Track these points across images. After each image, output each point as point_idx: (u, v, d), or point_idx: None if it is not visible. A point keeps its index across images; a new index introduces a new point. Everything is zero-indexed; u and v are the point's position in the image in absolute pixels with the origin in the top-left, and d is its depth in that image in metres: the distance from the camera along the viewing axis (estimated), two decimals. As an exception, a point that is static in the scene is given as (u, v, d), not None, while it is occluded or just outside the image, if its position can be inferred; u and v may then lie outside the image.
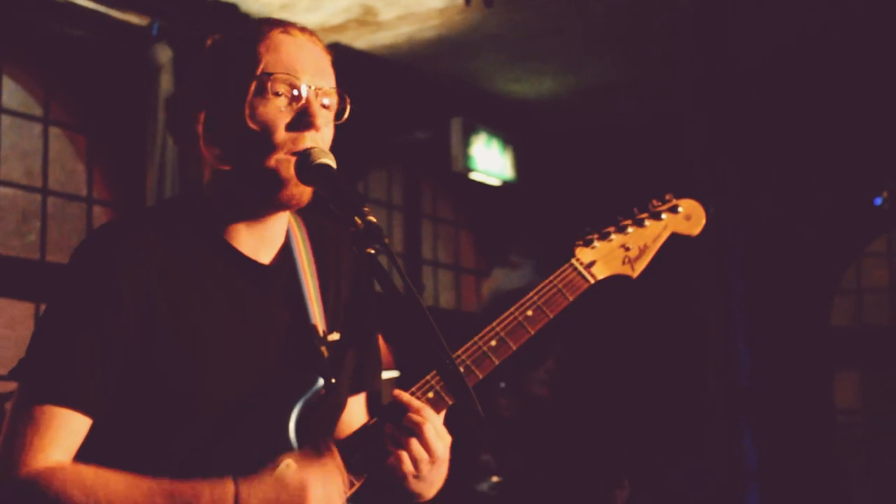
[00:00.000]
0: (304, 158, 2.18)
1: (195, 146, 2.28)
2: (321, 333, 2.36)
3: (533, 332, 2.38)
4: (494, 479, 4.63)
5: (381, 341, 6.01)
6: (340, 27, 6.81)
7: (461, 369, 2.26)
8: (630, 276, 2.53)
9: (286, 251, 2.38)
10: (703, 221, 2.59)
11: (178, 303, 2.22)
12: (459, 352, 2.30)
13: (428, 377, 2.29)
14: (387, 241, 2.02)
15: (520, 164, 8.32)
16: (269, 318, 2.31)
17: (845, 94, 7.79)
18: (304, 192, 2.24)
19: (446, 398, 2.28)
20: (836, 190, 8.30)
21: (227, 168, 2.26)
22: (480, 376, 2.30)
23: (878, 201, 8.15)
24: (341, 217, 2.07)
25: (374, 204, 8.05)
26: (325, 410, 2.35)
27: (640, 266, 2.54)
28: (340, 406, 2.42)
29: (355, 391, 2.50)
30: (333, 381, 2.31)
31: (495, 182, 8.21)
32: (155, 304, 2.20)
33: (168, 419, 2.20)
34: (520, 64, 7.61)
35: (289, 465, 2.20)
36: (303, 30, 2.31)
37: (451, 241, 8.77)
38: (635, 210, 2.57)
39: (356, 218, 2.03)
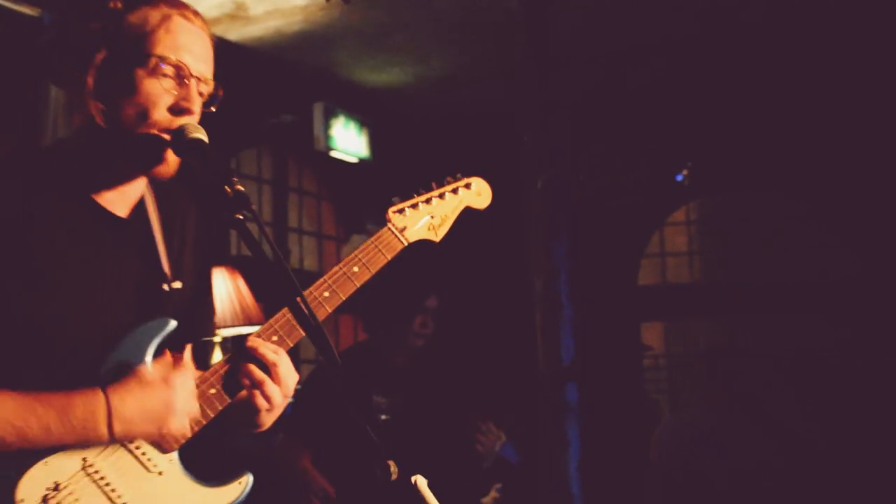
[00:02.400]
0: (180, 133, 2.19)
1: (80, 94, 2.21)
2: (168, 282, 2.38)
3: (358, 285, 2.46)
4: (383, 417, 4.70)
5: (251, 297, 5.92)
6: (214, 20, 6.80)
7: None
8: (434, 241, 2.70)
9: (140, 206, 2.37)
10: (490, 197, 2.80)
11: (35, 248, 2.16)
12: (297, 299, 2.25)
13: (271, 321, 2.34)
14: (254, 207, 2.06)
15: (374, 143, 8.45)
16: (122, 268, 2.29)
17: (655, 82, 8.17)
18: (171, 168, 2.25)
19: (287, 341, 2.33)
20: (643, 166, 8.73)
21: (103, 127, 2.21)
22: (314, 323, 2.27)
23: (680, 177, 8.60)
24: (213, 186, 2.08)
25: (245, 178, 8.08)
26: (175, 351, 2.33)
27: (442, 232, 2.71)
28: (181, 348, 2.38)
29: (190, 339, 2.45)
30: (178, 324, 2.31)
31: (353, 160, 8.30)
32: (8, 248, 2.14)
33: (21, 363, 2.14)
34: (374, 55, 7.68)
35: (152, 366, 2.23)
36: (197, 15, 2.30)
37: (315, 211, 8.83)
38: (433, 185, 2.73)
39: (226, 187, 2.06)
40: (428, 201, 2.69)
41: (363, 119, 8.41)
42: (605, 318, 8.54)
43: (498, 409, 6.95)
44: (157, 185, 2.40)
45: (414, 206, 2.66)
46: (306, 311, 2.07)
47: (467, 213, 2.79)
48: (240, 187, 2.06)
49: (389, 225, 2.58)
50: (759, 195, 8.76)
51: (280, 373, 2.26)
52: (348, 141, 8.27)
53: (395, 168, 8.57)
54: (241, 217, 2.04)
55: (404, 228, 2.60)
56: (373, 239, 2.53)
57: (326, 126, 8.03)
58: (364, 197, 8.68)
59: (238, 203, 2.04)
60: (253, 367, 2.26)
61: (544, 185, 7.20)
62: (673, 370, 9.51)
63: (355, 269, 2.47)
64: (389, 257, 2.53)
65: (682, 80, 8.15)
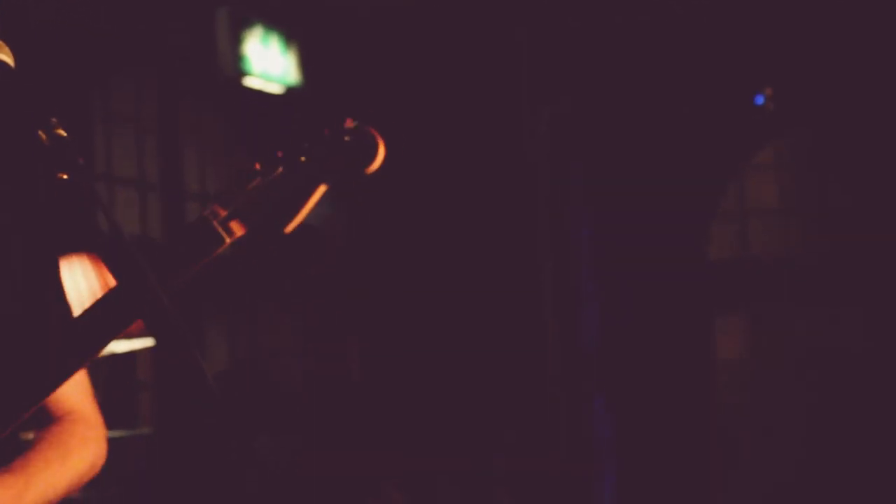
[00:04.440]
0: None
1: None
2: None
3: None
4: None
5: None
6: None
7: None
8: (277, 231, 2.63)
9: None
10: (380, 155, 2.58)
11: None
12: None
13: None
14: (81, 160, 2.09)
15: (307, 64, 8.54)
16: None
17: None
18: None
19: None
20: (707, 88, 8.60)
21: None
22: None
23: (761, 100, 8.50)
24: (21, 131, 2.14)
25: (118, 122, 8.13)
26: None
27: (293, 218, 2.60)
28: None
29: None
30: None
31: (276, 89, 8.42)
32: None
33: None
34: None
35: None
36: None
37: (224, 167, 8.91)
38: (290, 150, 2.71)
39: (41, 132, 2.09)
40: (268, 173, 2.54)
41: (290, 30, 8.48)
42: (656, 310, 8.47)
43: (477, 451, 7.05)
44: None
45: (245, 182, 2.54)
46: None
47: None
48: (61, 132, 2.06)
49: (207, 212, 2.47)
50: (881, 124, 8.65)
51: None
52: (269, 62, 8.37)
53: (339, 98, 8.65)
54: (66, 177, 2.05)
55: (231, 217, 2.49)
56: (177, 236, 2.64)
57: (236, 42, 8.08)
58: (295, 142, 8.29)
59: (59, 156, 2.05)
60: None
61: (553, 117, 7.33)
62: (761, 382, 9.41)
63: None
64: (204, 261, 2.46)
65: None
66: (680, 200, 8.79)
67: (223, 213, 2.51)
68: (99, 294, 5.45)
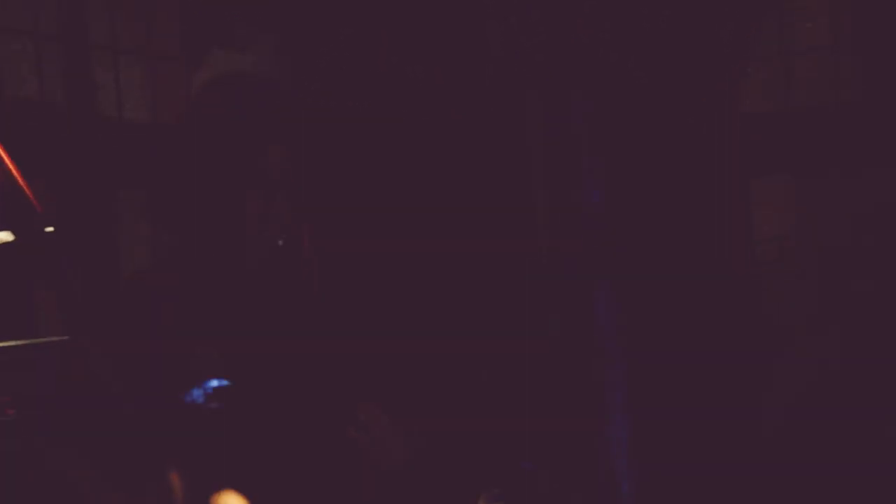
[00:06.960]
0: None
1: None
2: None
3: None
4: (213, 406, 5.07)
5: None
6: None
7: None
8: None
9: None
10: None
11: None
12: None
13: None
14: None
15: None
16: None
17: None
18: None
19: None
20: None
21: None
22: None
23: None
24: None
25: None
26: None
27: None
28: None
29: None
30: None
31: None
32: None
33: None
34: None
35: None
36: None
37: (139, 9, 8.36)
38: None
39: None
40: None
41: None
42: (673, 172, 8.08)
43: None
44: None
45: None
46: None
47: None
48: None
49: None
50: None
51: None
52: None
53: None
54: None
55: None
56: None
57: None
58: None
59: None
60: None
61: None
62: (810, 260, 8.96)
63: None
64: None
65: None
66: (698, 41, 8.32)
67: None
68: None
